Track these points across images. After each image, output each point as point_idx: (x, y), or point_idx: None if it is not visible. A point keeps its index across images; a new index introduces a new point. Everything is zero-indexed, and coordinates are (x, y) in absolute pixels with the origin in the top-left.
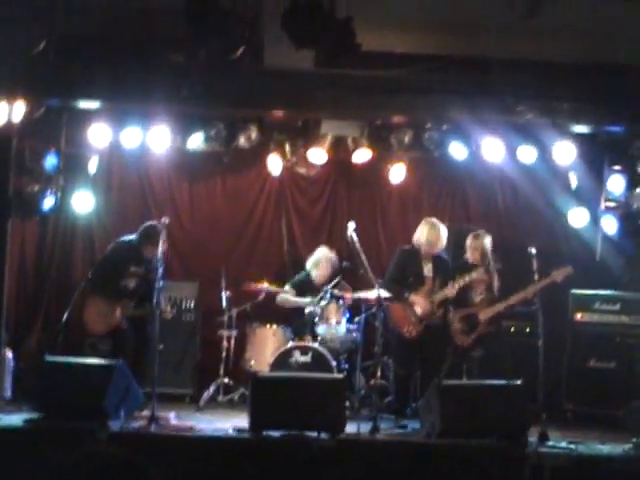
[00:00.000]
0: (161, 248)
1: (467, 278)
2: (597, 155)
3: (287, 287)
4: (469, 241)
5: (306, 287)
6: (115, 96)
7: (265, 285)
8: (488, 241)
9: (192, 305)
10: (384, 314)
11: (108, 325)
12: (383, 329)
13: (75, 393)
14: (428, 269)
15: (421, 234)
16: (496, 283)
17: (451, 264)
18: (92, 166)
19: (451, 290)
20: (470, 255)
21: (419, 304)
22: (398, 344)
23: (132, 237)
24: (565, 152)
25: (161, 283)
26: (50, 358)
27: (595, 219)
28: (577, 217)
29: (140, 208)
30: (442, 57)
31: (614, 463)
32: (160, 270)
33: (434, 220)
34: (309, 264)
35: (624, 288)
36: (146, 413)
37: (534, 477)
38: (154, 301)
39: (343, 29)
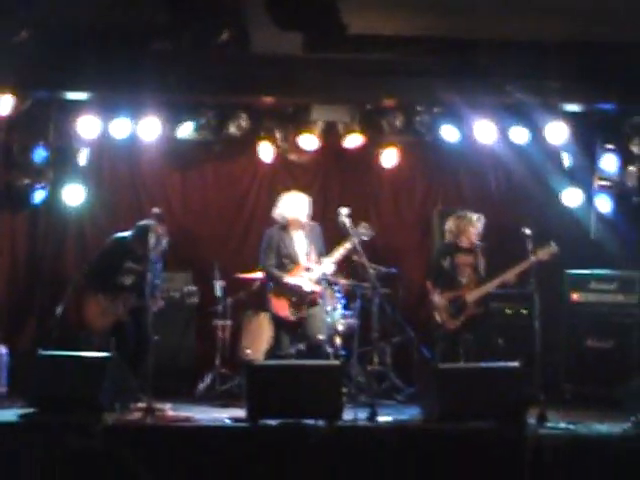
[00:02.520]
0: (164, 240)
1: (341, 250)
2: (590, 134)
3: None
4: (454, 222)
5: None
6: (103, 87)
7: (259, 274)
8: (474, 221)
9: (187, 295)
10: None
11: (110, 321)
12: (380, 314)
13: (70, 387)
14: (300, 246)
15: (285, 207)
16: (482, 264)
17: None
18: (82, 158)
19: (328, 266)
20: (454, 236)
21: (301, 285)
22: (282, 326)
23: (127, 234)
24: (557, 132)
25: (158, 280)
26: (44, 352)
27: (589, 198)
28: (571, 197)
29: (131, 199)
30: (431, 39)
31: (613, 442)
32: (159, 266)
33: (291, 192)
34: None
35: (619, 267)
36: (142, 405)
37: (534, 459)
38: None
39: (328, 10)
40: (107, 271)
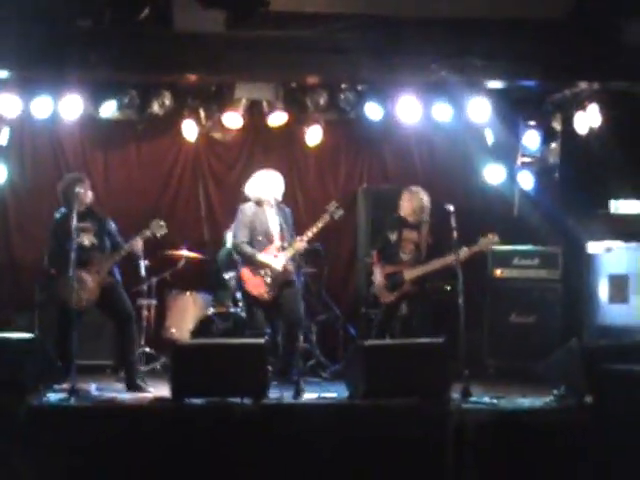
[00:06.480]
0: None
1: (314, 229)
2: (512, 111)
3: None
4: (405, 197)
5: None
6: (24, 65)
7: (184, 252)
8: (425, 198)
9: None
10: (238, 279)
11: (94, 291)
12: (305, 293)
13: None
14: (274, 224)
15: (258, 185)
16: (424, 242)
17: (371, 225)
18: (3, 138)
19: (300, 244)
20: (404, 211)
21: (272, 264)
22: (255, 308)
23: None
24: (480, 109)
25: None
26: None
27: (512, 175)
28: (494, 173)
29: (54, 179)
30: (353, 16)
31: (536, 416)
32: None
33: (266, 170)
34: None
35: (542, 243)
36: (66, 386)
37: (457, 433)
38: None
39: None
40: (61, 241)
